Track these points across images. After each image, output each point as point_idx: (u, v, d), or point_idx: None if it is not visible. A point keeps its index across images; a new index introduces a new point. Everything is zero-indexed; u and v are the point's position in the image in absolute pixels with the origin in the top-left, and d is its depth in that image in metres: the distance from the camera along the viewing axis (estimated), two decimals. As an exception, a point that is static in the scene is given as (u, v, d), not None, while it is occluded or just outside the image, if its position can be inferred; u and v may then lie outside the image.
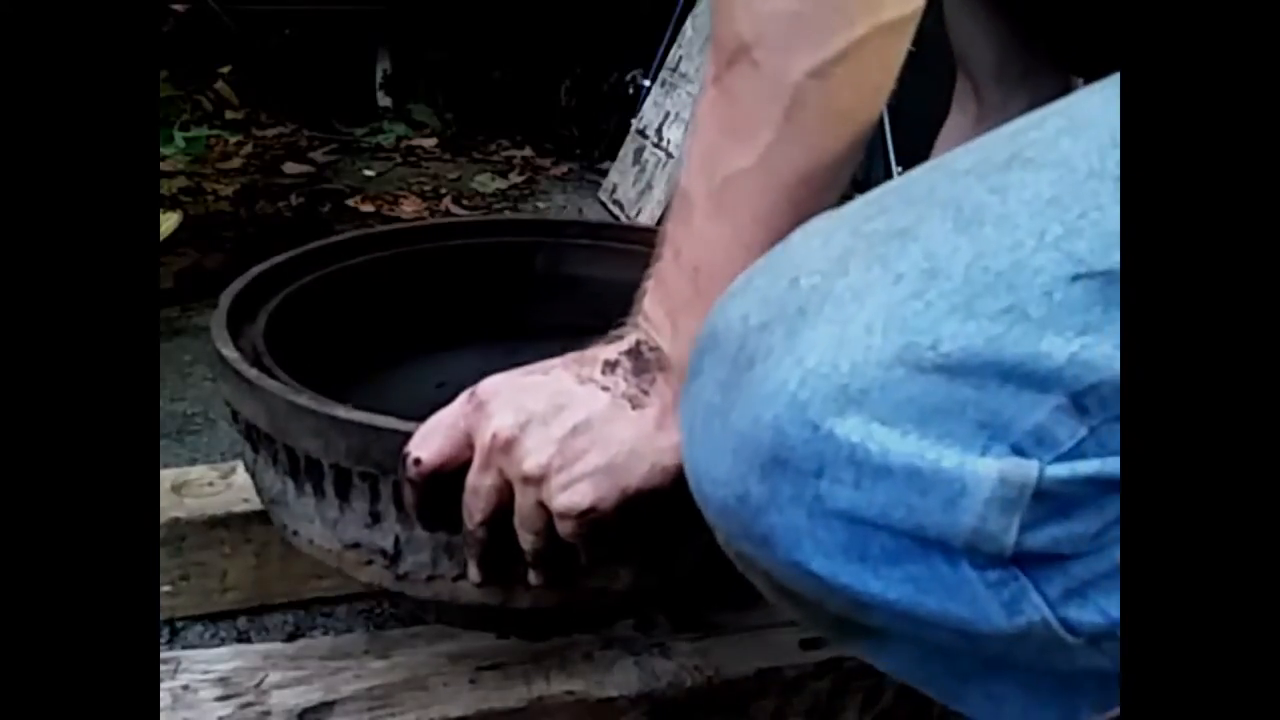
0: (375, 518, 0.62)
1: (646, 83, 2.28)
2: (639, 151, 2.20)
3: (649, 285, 0.55)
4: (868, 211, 0.44)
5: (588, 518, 0.52)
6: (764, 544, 0.42)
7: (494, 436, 0.53)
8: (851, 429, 0.39)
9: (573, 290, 0.88)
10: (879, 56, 0.47)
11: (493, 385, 0.55)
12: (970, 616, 0.41)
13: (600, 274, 0.83)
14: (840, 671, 0.70)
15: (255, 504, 0.76)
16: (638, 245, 0.92)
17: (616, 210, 2.17)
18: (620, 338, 0.55)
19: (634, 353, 0.54)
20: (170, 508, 0.83)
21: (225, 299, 0.72)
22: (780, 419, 0.40)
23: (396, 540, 0.62)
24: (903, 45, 0.48)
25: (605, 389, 0.54)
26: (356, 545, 0.63)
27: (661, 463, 0.52)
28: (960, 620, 0.41)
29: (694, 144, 0.51)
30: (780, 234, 0.48)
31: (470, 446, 0.55)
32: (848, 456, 0.39)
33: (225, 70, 2.51)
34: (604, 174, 2.33)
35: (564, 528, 0.54)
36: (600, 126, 2.50)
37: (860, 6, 0.46)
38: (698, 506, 0.47)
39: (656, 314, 0.54)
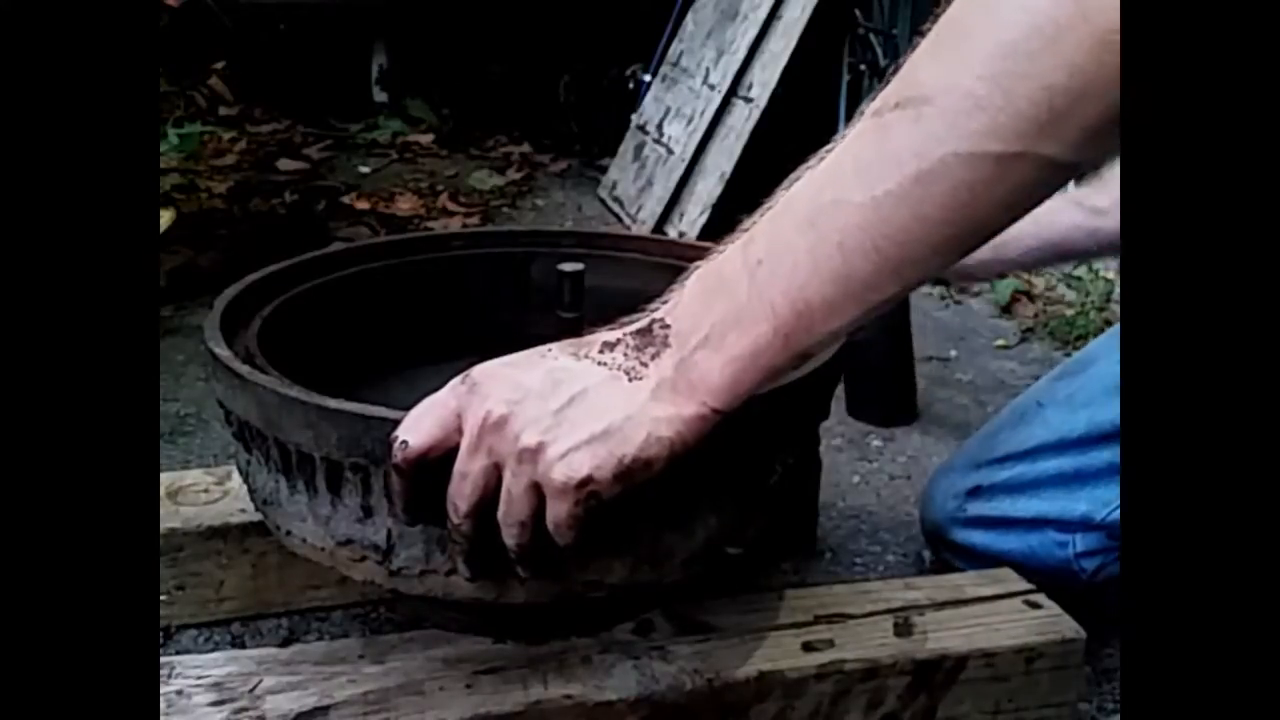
0: (367, 512, 0.62)
1: (647, 78, 2.27)
2: (639, 148, 2.19)
3: (701, 262, 0.54)
4: None
5: (585, 489, 0.52)
6: None
7: (487, 414, 0.53)
8: None
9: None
10: (1026, 180, 0.47)
11: (487, 368, 0.55)
12: None
13: (596, 283, 0.83)
14: (843, 674, 0.69)
15: (252, 514, 0.76)
16: (633, 253, 0.92)
17: (616, 207, 2.15)
18: (632, 321, 0.55)
19: (644, 330, 0.54)
20: (166, 517, 0.83)
21: (220, 304, 0.73)
22: None
23: (389, 535, 0.62)
24: (1053, 186, 0.48)
25: (602, 364, 0.54)
26: (349, 541, 0.63)
27: (657, 432, 0.52)
28: None
29: (826, 159, 0.51)
30: (854, 273, 0.49)
31: (460, 430, 0.54)
32: None
33: (219, 66, 2.50)
34: (603, 170, 2.32)
35: (559, 508, 0.53)
36: (600, 122, 2.49)
37: (1035, 129, 0.45)
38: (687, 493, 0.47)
39: (694, 288, 0.54)
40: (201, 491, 0.86)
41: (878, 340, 1.24)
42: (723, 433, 0.54)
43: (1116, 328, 0.96)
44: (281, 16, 2.68)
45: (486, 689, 0.66)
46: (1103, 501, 0.83)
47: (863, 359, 1.25)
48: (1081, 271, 1.71)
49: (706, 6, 2.18)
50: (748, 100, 1.92)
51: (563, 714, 0.65)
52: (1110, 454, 0.83)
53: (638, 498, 0.54)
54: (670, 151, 2.04)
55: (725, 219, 1.89)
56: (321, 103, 2.63)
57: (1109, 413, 0.83)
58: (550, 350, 0.56)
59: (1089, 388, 0.87)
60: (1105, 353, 0.90)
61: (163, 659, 0.68)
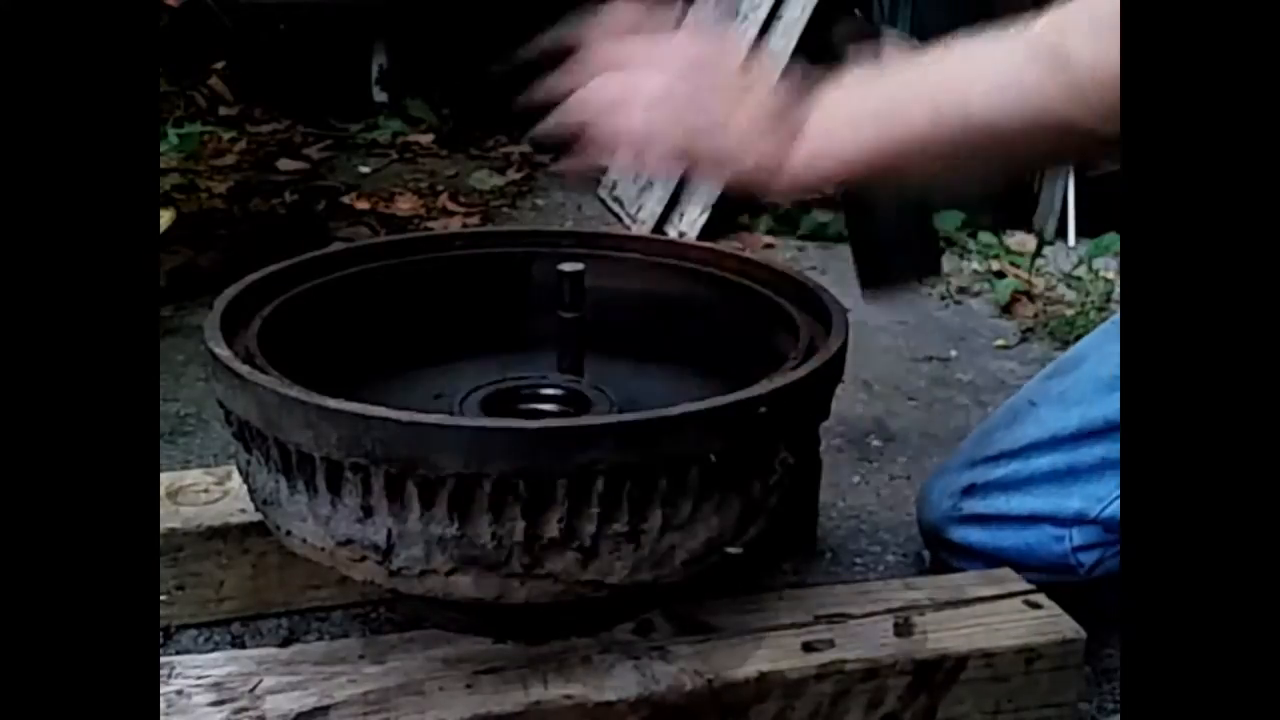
0: (367, 512, 0.62)
1: (645, 78, 2.26)
2: (637, 147, 2.18)
3: (886, 59, 0.68)
4: None
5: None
6: None
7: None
8: None
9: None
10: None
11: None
12: None
13: (596, 283, 0.83)
14: (843, 674, 0.69)
15: (252, 514, 0.76)
16: (633, 254, 0.92)
17: (616, 208, 2.15)
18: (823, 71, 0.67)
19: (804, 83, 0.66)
20: (166, 517, 0.82)
21: (220, 304, 0.73)
22: None
23: (389, 534, 0.62)
24: None
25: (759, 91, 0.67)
26: (349, 541, 0.63)
27: (751, 145, 0.66)
28: None
29: (975, 52, 0.60)
30: (948, 149, 0.62)
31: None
32: None
33: (219, 66, 2.50)
34: (603, 170, 2.31)
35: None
36: (599, 122, 2.48)
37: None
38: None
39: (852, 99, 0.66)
40: (201, 491, 0.86)
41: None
42: (724, 432, 0.54)
43: (1106, 325, 0.96)
44: (281, 16, 2.67)
45: (487, 689, 0.66)
46: (1096, 497, 0.83)
47: (871, 216, 1.01)
48: (1081, 271, 1.71)
49: (706, 6, 2.18)
50: (748, 100, 1.92)
51: (563, 714, 0.65)
52: (1103, 450, 0.83)
53: (642, 496, 0.53)
54: (670, 151, 2.04)
55: (725, 219, 1.89)
56: (321, 103, 2.62)
57: (1101, 409, 0.83)
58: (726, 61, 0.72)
59: (1080, 385, 0.87)
60: (1096, 350, 0.90)
61: (163, 659, 0.68)
